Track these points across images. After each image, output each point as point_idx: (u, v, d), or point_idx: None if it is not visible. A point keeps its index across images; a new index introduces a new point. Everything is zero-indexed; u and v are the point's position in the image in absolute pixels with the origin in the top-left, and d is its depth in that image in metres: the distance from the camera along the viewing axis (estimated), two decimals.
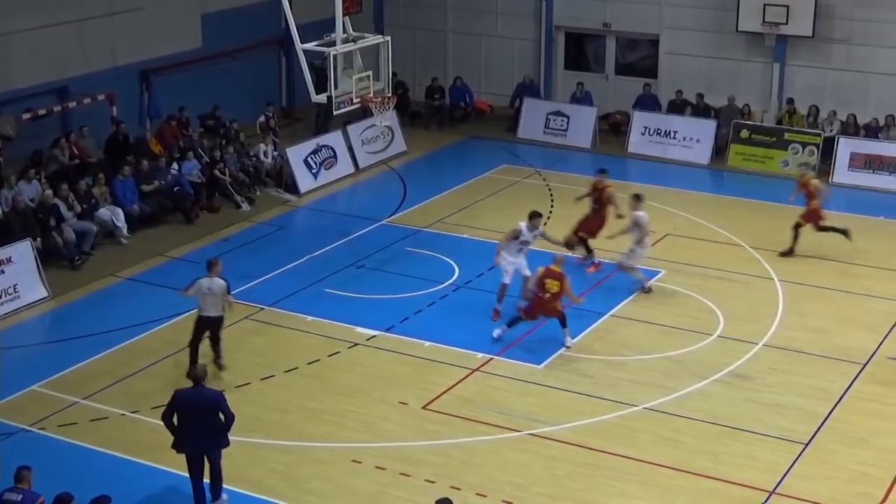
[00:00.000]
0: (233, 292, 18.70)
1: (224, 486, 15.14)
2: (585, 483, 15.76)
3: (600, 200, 22.96)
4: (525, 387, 18.38)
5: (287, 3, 23.85)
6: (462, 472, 15.96)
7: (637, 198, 22.02)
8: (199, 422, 14.59)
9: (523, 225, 20.49)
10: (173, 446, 14.82)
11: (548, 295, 19.48)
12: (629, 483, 15.77)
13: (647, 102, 31.67)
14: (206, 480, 14.93)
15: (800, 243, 23.41)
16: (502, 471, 16.01)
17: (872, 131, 29.16)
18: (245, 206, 26.43)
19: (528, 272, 20.42)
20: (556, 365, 19.07)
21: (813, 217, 23.46)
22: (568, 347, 19.62)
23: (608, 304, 21.24)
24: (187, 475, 14.88)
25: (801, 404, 17.78)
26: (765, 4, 29.78)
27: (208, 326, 18.39)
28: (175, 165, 26.13)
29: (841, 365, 19.07)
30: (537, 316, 19.77)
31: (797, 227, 23.42)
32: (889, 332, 20.29)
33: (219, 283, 18.26)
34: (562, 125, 31.84)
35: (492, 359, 19.21)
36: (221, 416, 14.68)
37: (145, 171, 25.52)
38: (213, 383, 16.48)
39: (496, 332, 19.88)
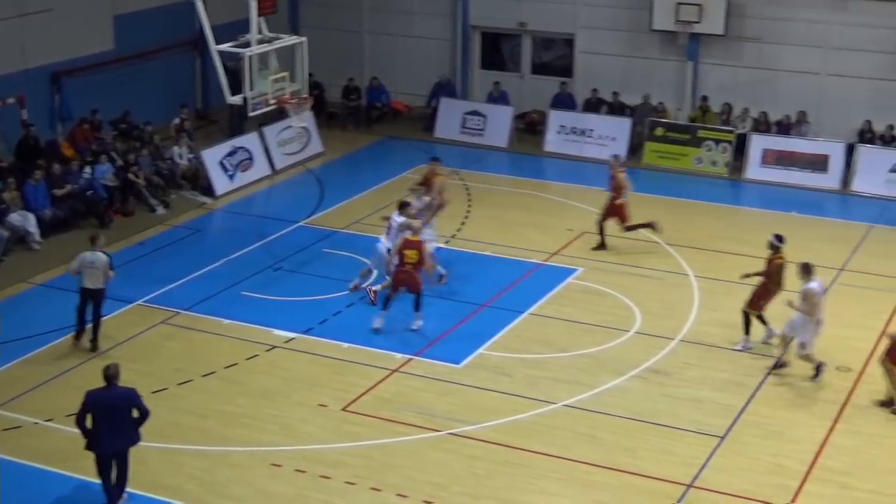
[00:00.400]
0: (114, 269, 19.55)
1: (141, 493, 15.01)
2: (506, 481, 15.81)
3: (433, 189, 23.01)
4: (444, 386, 18.40)
5: (201, 4, 23.62)
6: (382, 472, 15.93)
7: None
8: (114, 421, 14.47)
9: (399, 217, 21.12)
10: (87, 447, 14.64)
11: (408, 265, 19.90)
12: (549, 480, 15.85)
13: (564, 101, 31.86)
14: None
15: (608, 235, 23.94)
16: (423, 471, 16.00)
17: (784, 128, 29.62)
18: (160, 210, 26.15)
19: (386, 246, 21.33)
20: (476, 364, 19.11)
21: (616, 212, 23.71)
22: (414, 330, 20.04)
23: (526, 303, 21.32)
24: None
25: (717, 398, 18.01)
26: (678, 3, 30.10)
27: (90, 297, 19.23)
28: (88, 169, 25.75)
29: (755, 358, 19.33)
30: (399, 288, 20.07)
31: (602, 222, 23.84)
32: None
33: (101, 257, 19.18)
34: (478, 125, 31.92)
35: (411, 359, 19.19)
36: (136, 413, 14.58)
37: (57, 174, 25.14)
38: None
39: (377, 324, 20.05)
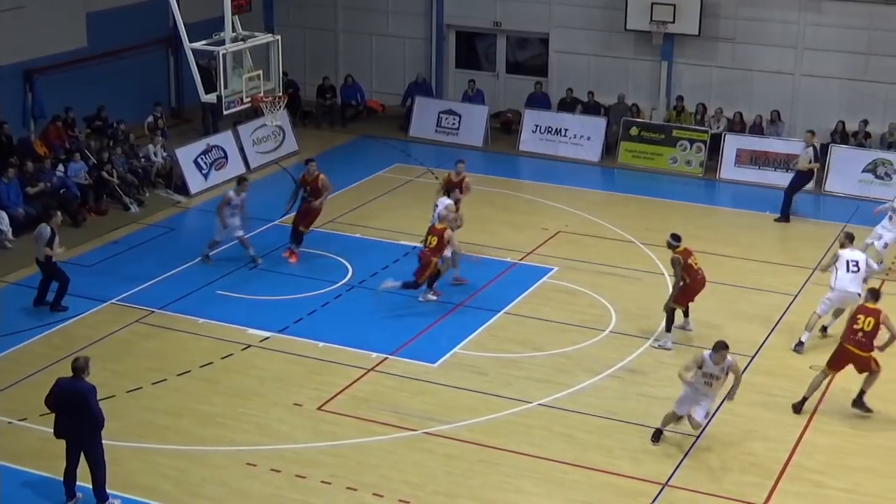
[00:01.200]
0: (55, 247, 20.33)
1: (116, 493, 14.92)
2: (481, 480, 15.80)
3: (315, 190, 23.25)
4: (420, 385, 18.38)
5: (175, 2, 23.47)
6: (358, 472, 15.91)
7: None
8: (72, 412, 14.54)
9: (231, 192, 22.93)
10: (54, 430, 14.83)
11: (427, 249, 20.86)
12: (524, 479, 15.86)
13: (538, 100, 31.89)
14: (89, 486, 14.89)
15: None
16: (398, 470, 15.98)
17: (757, 128, 29.74)
18: (134, 208, 26.03)
19: (240, 232, 22.87)
20: (451, 363, 19.10)
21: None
22: (419, 300, 21.17)
23: (501, 302, 21.33)
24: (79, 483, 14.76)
25: None
26: (652, 3, 30.17)
27: (39, 268, 20.61)
28: (61, 167, 25.61)
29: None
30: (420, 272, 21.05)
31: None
32: (776, 324, 20.73)
33: (44, 230, 20.30)
34: (453, 124, 31.91)
35: (386, 358, 19.17)
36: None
37: (30, 173, 24.98)
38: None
39: (388, 284, 21.03)
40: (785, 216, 26.09)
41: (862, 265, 19.84)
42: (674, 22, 30.19)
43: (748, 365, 19.10)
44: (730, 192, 28.68)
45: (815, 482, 15.93)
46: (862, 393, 17.66)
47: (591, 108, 31.35)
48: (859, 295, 19.73)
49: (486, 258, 23.15)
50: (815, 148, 26.35)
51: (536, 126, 31.22)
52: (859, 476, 16.12)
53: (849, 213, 26.28)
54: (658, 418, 17.29)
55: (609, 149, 30.62)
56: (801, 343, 19.77)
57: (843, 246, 20.09)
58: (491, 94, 32.88)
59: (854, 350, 17.45)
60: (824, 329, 20.19)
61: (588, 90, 31.47)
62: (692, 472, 16.00)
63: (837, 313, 20.14)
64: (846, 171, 28.14)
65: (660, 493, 15.60)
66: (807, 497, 15.62)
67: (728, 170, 29.26)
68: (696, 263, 19.70)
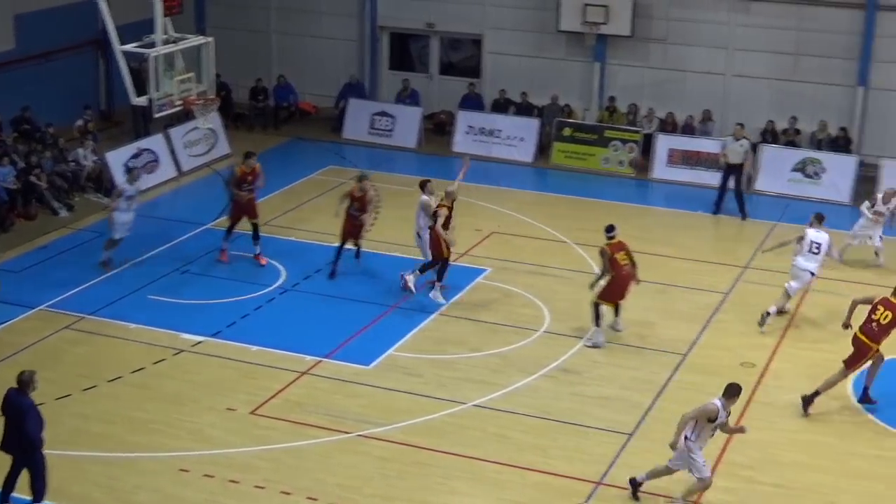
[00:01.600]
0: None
1: (45, 501, 14.70)
2: (416, 482, 15.79)
3: (255, 180, 22.92)
4: (354, 388, 18.33)
5: (104, 4, 23.25)
6: (292, 476, 15.83)
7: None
8: (13, 425, 14.42)
9: (124, 184, 22.97)
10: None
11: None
12: (459, 480, 15.87)
13: (472, 102, 31.94)
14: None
15: None
16: (333, 473, 15.93)
17: (689, 128, 30.01)
18: (63, 213, 25.72)
19: (127, 233, 22.65)
20: (385, 365, 19.07)
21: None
22: (412, 292, 21.26)
23: (435, 304, 21.33)
24: (21, 496, 14.68)
25: (626, 396, 18.17)
26: (585, 4, 30.31)
27: None
28: None
29: (664, 356, 19.55)
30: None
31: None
32: (708, 322, 20.91)
33: None
34: (387, 125, 31.88)
35: (320, 361, 19.09)
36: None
37: None
38: None
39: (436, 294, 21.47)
40: (743, 213, 26.36)
41: (823, 248, 20.34)
42: (606, 23, 30.36)
43: (680, 363, 19.26)
44: (662, 191, 28.91)
45: (745, 478, 16.10)
46: (816, 393, 17.77)
47: (525, 109, 31.46)
48: (812, 274, 20.16)
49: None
50: (748, 140, 26.69)
51: (470, 127, 31.27)
52: (789, 470, 16.31)
53: (779, 211, 26.60)
54: (592, 417, 17.41)
55: (542, 149, 30.75)
56: (770, 312, 20.55)
57: (811, 225, 20.78)
58: (424, 95, 32.87)
59: (863, 338, 17.64)
60: (767, 315, 20.61)
61: (521, 91, 31.57)
62: (626, 470, 16.02)
63: (781, 308, 20.53)
64: (775, 171, 28.47)
65: (594, 491, 15.68)
66: (737, 492, 15.78)
67: (660, 169, 29.49)
68: (623, 259, 19.76)
